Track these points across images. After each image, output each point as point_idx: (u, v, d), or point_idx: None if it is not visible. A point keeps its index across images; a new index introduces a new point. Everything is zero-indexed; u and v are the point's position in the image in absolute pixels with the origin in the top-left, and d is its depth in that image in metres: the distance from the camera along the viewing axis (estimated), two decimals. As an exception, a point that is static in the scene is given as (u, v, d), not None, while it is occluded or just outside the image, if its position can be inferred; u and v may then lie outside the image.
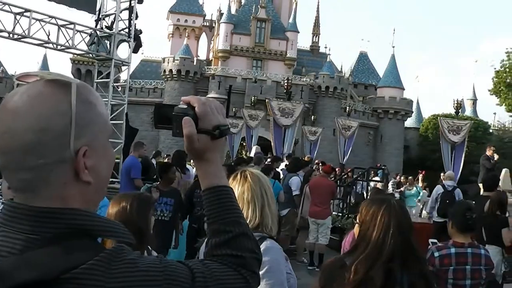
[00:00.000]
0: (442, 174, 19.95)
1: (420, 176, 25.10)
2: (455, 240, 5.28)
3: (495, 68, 76.31)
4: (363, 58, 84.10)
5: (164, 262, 1.35)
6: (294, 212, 13.65)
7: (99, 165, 1.39)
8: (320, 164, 19.43)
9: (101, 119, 1.39)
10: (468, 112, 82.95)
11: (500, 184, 20.47)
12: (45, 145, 1.27)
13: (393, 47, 74.94)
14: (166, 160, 17.48)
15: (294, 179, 13.88)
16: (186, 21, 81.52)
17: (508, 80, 74.31)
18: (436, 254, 5.10)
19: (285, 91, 36.22)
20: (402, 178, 25.79)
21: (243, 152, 39.24)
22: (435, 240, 6.17)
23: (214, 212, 1.57)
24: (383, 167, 24.35)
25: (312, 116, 62.08)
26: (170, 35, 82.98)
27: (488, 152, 16.87)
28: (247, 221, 1.96)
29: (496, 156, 16.58)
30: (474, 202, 9.39)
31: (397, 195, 20.07)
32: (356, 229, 3.26)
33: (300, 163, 15.70)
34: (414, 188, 22.10)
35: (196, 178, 9.92)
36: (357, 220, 3.21)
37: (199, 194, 8.81)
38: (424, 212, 18.49)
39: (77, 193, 1.33)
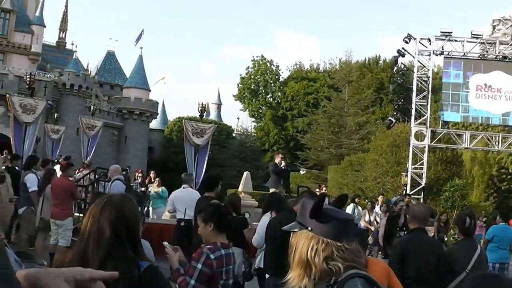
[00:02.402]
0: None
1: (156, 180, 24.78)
2: (221, 241, 5.31)
3: (240, 75, 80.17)
4: (110, 57, 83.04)
5: None
6: (31, 210, 13.15)
7: None
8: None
9: None
10: (213, 116, 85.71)
11: (241, 186, 21.43)
12: None
13: (141, 48, 75.03)
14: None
15: (29, 176, 13.43)
16: None
17: (252, 87, 78.52)
18: (212, 256, 5.10)
19: (27, 86, 34.40)
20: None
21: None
22: (166, 243, 5.96)
23: None
24: (126, 168, 24.17)
25: (56, 114, 59.98)
26: None
27: (277, 159, 17.40)
28: None
29: (283, 163, 17.13)
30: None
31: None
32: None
33: (34, 160, 15.06)
34: (160, 190, 21.97)
35: None
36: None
37: None
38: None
39: None
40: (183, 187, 13.27)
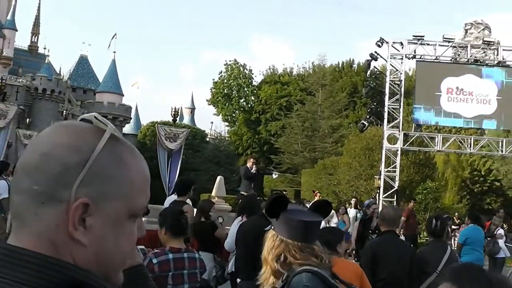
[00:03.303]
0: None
1: None
2: (171, 245, 5.31)
3: (213, 79, 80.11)
4: (83, 62, 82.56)
5: None
6: (1, 217, 12.92)
7: (104, 235, 1.16)
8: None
9: (127, 186, 1.18)
10: (186, 120, 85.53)
11: (214, 190, 21.37)
12: (45, 172, 1.12)
13: (114, 52, 74.72)
14: None
15: (1, 183, 13.29)
16: None
17: (225, 91, 78.47)
18: (155, 260, 5.10)
19: (-2, 91, 34.12)
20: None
21: None
22: (142, 246, 5.95)
23: None
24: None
25: (28, 119, 59.45)
26: None
27: (248, 164, 17.38)
28: None
29: (254, 167, 17.13)
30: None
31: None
32: None
33: (5, 166, 14.93)
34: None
35: None
36: None
37: None
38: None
39: (69, 250, 1.13)
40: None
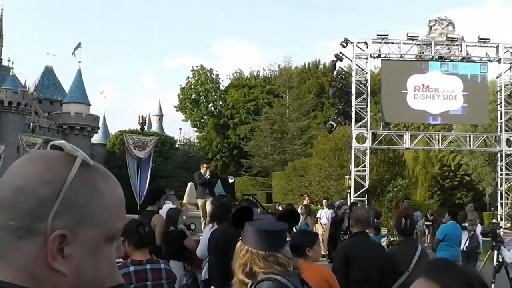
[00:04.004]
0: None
1: None
2: (133, 258, 5.26)
3: (180, 85, 79.87)
4: (48, 73, 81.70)
5: None
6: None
7: (83, 262, 1.16)
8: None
9: (102, 212, 1.18)
10: (154, 127, 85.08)
11: (185, 197, 21.20)
12: (20, 206, 1.13)
13: (79, 62, 74.03)
14: None
15: None
16: None
17: (193, 97, 78.29)
18: None
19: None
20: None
21: None
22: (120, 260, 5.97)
23: None
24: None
25: (-6, 133, 58.71)
26: None
27: (202, 170, 17.30)
28: None
29: (208, 173, 17.07)
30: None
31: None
32: None
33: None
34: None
35: None
36: None
37: None
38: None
39: (50, 280, 1.13)
40: (166, 203, 13.55)
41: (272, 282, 2.88)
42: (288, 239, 3.38)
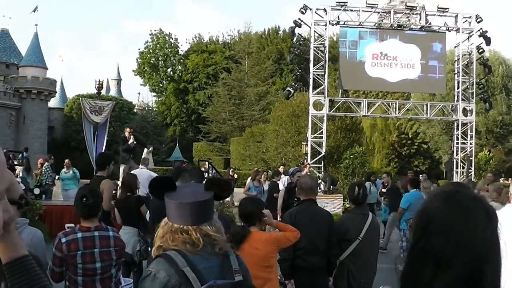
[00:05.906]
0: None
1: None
2: (82, 224, 5.27)
3: (139, 49, 79.06)
4: (4, 36, 79.68)
5: None
6: None
7: None
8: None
9: None
10: (113, 92, 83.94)
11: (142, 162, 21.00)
12: None
13: (36, 25, 72.66)
14: None
15: None
16: None
17: (152, 61, 77.61)
18: (63, 240, 5.09)
19: None
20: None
21: None
22: (72, 224, 6.01)
23: (24, 283, 1.47)
24: (24, 150, 23.45)
25: None
26: None
27: (126, 134, 17.20)
28: None
29: (132, 138, 16.97)
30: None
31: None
32: None
33: None
34: (70, 171, 21.29)
35: None
36: None
37: None
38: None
39: None
40: (140, 167, 14.47)
41: (163, 258, 2.69)
42: (215, 212, 3.09)
